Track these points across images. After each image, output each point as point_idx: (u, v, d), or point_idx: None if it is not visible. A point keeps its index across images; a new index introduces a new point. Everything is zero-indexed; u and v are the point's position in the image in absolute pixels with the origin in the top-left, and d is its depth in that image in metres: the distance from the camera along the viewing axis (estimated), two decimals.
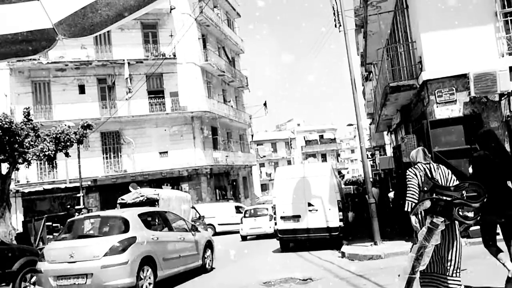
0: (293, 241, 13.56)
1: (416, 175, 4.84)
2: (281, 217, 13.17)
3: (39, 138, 14.95)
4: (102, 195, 26.40)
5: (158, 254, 8.65)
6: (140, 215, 8.99)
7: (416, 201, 4.73)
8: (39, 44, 1.95)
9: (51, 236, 16.34)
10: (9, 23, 1.90)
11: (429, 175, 4.89)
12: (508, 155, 5.30)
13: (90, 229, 9.22)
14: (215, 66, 31.09)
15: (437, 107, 11.48)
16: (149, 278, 8.31)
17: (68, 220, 10.05)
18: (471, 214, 5.77)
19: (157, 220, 9.97)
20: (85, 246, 8.02)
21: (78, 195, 21.54)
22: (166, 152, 28.19)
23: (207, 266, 10.85)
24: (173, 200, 16.22)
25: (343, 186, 22.02)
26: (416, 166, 5.03)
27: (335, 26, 17.19)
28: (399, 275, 5.50)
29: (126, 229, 8.29)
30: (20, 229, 16.64)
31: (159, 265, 8.64)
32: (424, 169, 4.94)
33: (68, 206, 16.46)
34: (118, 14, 1.84)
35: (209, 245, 11.17)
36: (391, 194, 18.36)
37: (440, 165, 5.09)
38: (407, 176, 4.94)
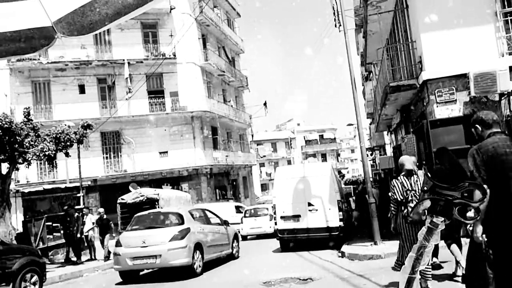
0: (293, 241, 13.57)
1: (398, 187, 6.22)
2: (281, 217, 13.17)
3: (39, 138, 14.93)
4: (102, 195, 26.38)
5: (204, 242, 10.96)
6: (189, 211, 11.42)
7: (394, 212, 6.22)
8: (38, 42, 1.94)
9: (51, 236, 16.33)
10: (8, 21, 1.89)
11: (408, 187, 6.31)
12: (460, 170, 5.81)
13: (154, 222, 11.14)
14: (215, 66, 31.08)
15: (437, 106, 11.48)
16: (200, 260, 10.60)
17: (136, 215, 11.94)
18: (471, 214, 5.76)
19: (199, 216, 11.95)
20: (154, 234, 10.30)
21: (78, 195, 21.52)
22: (166, 152, 28.17)
23: (234, 254, 12.99)
24: (173, 200, 16.25)
25: (343, 186, 22.00)
26: (398, 177, 6.46)
27: (335, 26, 17.18)
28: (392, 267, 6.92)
29: (182, 222, 10.58)
30: (20, 229, 16.62)
31: (205, 250, 10.91)
32: (404, 181, 6.40)
33: (66, 207, 16.44)
34: (117, 13, 1.84)
35: (235, 237, 13.30)
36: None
37: (419, 176, 6.31)
38: (391, 188, 6.32)
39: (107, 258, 14.85)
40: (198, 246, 10.58)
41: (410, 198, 6.21)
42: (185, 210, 11.45)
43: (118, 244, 10.57)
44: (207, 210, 13.07)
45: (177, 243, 10.05)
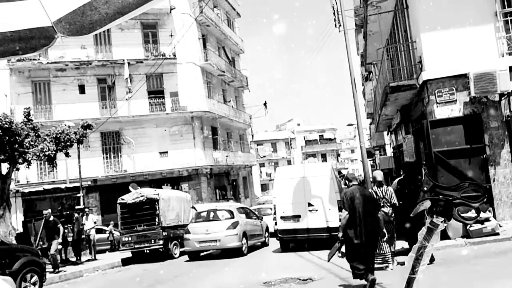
0: (293, 241, 13.56)
1: (373, 195, 8.44)
2: (281, 217, 13.17)
3: (39, 138, 14.93)
4: (102, 195, 26.36)
5: (248, 231, 14.34)
6: (237, 208, 14.94)
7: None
8: (38, 42, 1.94)
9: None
10: (8, 21, 1.89)
11: (380, 195, 8.71)
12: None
13: (212, 216, 14.47)
14: (215, 66, 31.07)
15: (437, 107, 11.48)
16: (245, 244, 13.94)
17: (196, 212, 15.93)
18: (471, 214, 5.79)
19: (243, 212, 15.36)
20: (214, 225, 13.84)
21: (78, 195, 21.52)
22: (166, 152, 28.15)
23: (267, 242, 15.99)
24: (173, 200, 16.22)
25: (343, 186, 21.98)
26: (373, 188, 8.95)
27: (335, 26, 17.17)
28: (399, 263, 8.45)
29: (233, 216, 14.07)
30: (20, 229, 16.61)
31: (249, 238, 14.31)
32: (377, 191, 8.79)
33: (60, 208, 16.36)
34: (117, 12, 1.84)
35: (267, 229, 16.27)
36: None
37: (388, 187, 9.04)
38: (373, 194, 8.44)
39: (55, 268, 13.09)
40: (244, 234, 13.94)
41: (382, 204, 8.56)
42: (234, 207, 14.99)
43: (187, 232, 14.04)
44: (247, 207, 17.09)
45: (231, 231, 13.48)
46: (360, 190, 7.30)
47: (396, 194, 8.92)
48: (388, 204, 8.61)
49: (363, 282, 6.89)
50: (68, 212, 16.63)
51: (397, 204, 8.67)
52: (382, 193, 8.70)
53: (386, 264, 8.47)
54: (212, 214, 14.63)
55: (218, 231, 13.54)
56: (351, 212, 7.03)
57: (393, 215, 8.65)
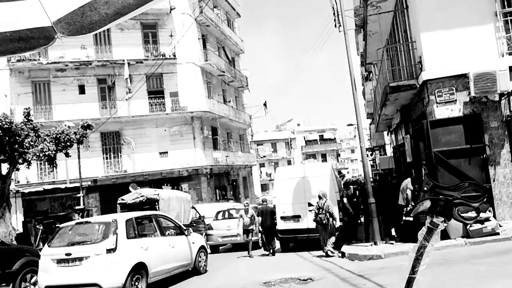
0: (293, 241, 13.56)
1: (317, 205, 11.81)
2: (281, 217, 13.17)
3: (39, 138, 14.93)
4: (102, 195, 26.35)
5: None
6: (252, 207, 16.13)
7: (315, 217, 11.80)
8: (37, 42, 1.94)
9: (51, 236, 16.23)
10: (8, 21, 1.89)
11: (320, 206, 11.65)
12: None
13: (232, 214, 16.54)
14: (215, 66, 31.06)
15: (437, 107, 11.48)
16: (261, 238, 14.81)
17: (216, 211, 17.35)
18: (471, 214, 5.79)
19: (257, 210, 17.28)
20: (234, 222, 15.01)
21: (78, 195, 21.51)
22: (166, 152, 28.15)
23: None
24: (173, 200, 16.19)
25: (342, 186, 21.95)
26: (317, 201, 11.80)
27: (335, 26, 17.16)
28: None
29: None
30: (20, 229, 16.59)
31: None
32: (319, 203, 11.70)
33: (59, 208, 16.32)
34: (117, 13, 1.84)
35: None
36: None
37: (327, 201, 11.73)
38: (316, 206, 11.87)
39: None
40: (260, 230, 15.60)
41: (321, 211, 11.50)
42: (250, 207, 16.55)
43: (210, 228, 15.98)
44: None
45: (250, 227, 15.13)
46: (267, 207, 13.74)
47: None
48: (324, 212, 11.42)
49: (266, 252, 13.20)
50: (65, 212, 16.58)
51: (332, 213, 11.56)
52: (321, 204, 11.55)
53: (328, 254, 11.44)
54: (230, 212, 16.89)
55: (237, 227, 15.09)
56: (262, 218, 13.35)
57: (329, 220, 11.47)
